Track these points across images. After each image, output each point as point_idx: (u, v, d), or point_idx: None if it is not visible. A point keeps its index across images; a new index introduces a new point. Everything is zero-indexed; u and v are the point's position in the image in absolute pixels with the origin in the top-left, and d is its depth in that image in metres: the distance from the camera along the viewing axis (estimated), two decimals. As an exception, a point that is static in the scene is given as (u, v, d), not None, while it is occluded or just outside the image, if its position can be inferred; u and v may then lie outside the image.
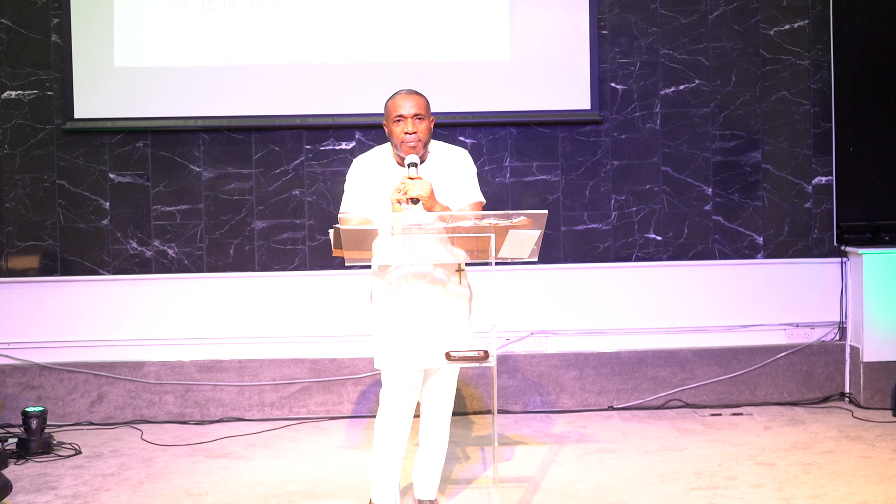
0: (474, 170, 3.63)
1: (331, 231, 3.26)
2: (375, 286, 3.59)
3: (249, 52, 5.27)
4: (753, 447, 4.48)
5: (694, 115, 5.37)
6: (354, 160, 3.64)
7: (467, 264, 3.56)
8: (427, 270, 3.49)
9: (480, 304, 3.73)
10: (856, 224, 5.34)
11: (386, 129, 3.54)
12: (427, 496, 3.70)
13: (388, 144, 3.58)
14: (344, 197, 3.58)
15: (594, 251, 5.37)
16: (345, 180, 3.61)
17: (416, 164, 3.41)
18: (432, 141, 3.58)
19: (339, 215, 3.58)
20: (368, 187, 3.53)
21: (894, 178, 5.37)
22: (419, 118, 3.47)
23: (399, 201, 3.32)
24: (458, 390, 3.71)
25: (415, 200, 3.32)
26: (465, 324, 3.59)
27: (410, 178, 3.36)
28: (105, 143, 5.30)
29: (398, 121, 3.46)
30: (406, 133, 3.45)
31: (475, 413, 5.23)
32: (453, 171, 3.56)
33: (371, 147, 3.95)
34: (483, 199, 3.61)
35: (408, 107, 3.46)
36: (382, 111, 3.57)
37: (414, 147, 3.45)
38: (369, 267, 3.63)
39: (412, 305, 3.48)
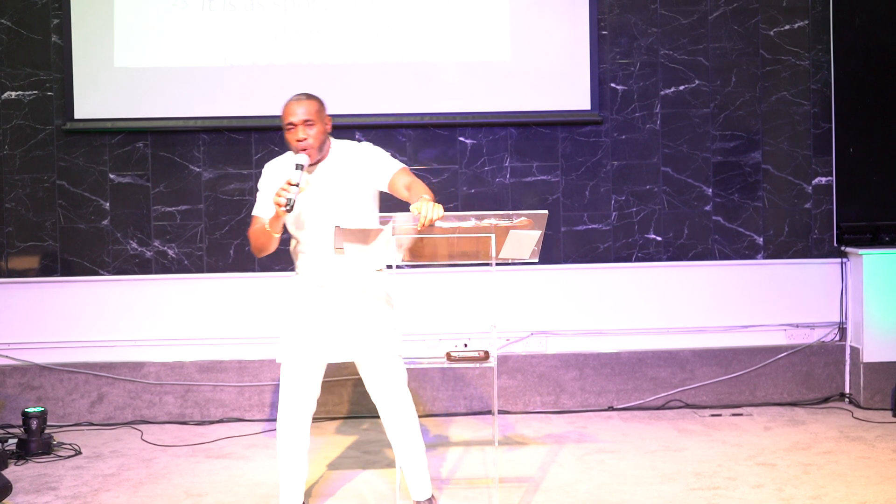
0: (382, 150, 3.60)
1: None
2: (292, 285, 3.61)
3: (249, 52, 5.27)
4: (753, 447, 4.48)
5: (694, 115, 5.37)
6: (266, 165, 3.64)
7: (464, 264, 3.54)
8: (343, 272, 3.50)
9: (480, 304, 3.74)
10: (856, 224, 5.34)
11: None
12: (421, 496, 3.70)
13: None
14: (257, 201, 3.60)
15: (594, 251, 5.37)
16: None
17: (302, 166, 3.39)
18: (336, 140, 3.59)
19: (253, 216, 3.60)
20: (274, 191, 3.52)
21: (894, 178, 5.37)
22: (309, 124, 3.46)
23: (423, 226, 3.20)
24: (458, 390, 3.71)
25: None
26: (384, 324, 3.55)
27: (425, 204, 3.21)
28: (105, 143, 5.29)
29: (289, 129, 3.47)
30: (297, 140, 3.45)
31: (475, 413, 5.23)
32: (359, 161, 3.54)
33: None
34: (404, 165, 3.57)
35: (298, 113, 3.45)
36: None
37: (308, 153, 3.44)
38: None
39: (320, 303, 3.50)
